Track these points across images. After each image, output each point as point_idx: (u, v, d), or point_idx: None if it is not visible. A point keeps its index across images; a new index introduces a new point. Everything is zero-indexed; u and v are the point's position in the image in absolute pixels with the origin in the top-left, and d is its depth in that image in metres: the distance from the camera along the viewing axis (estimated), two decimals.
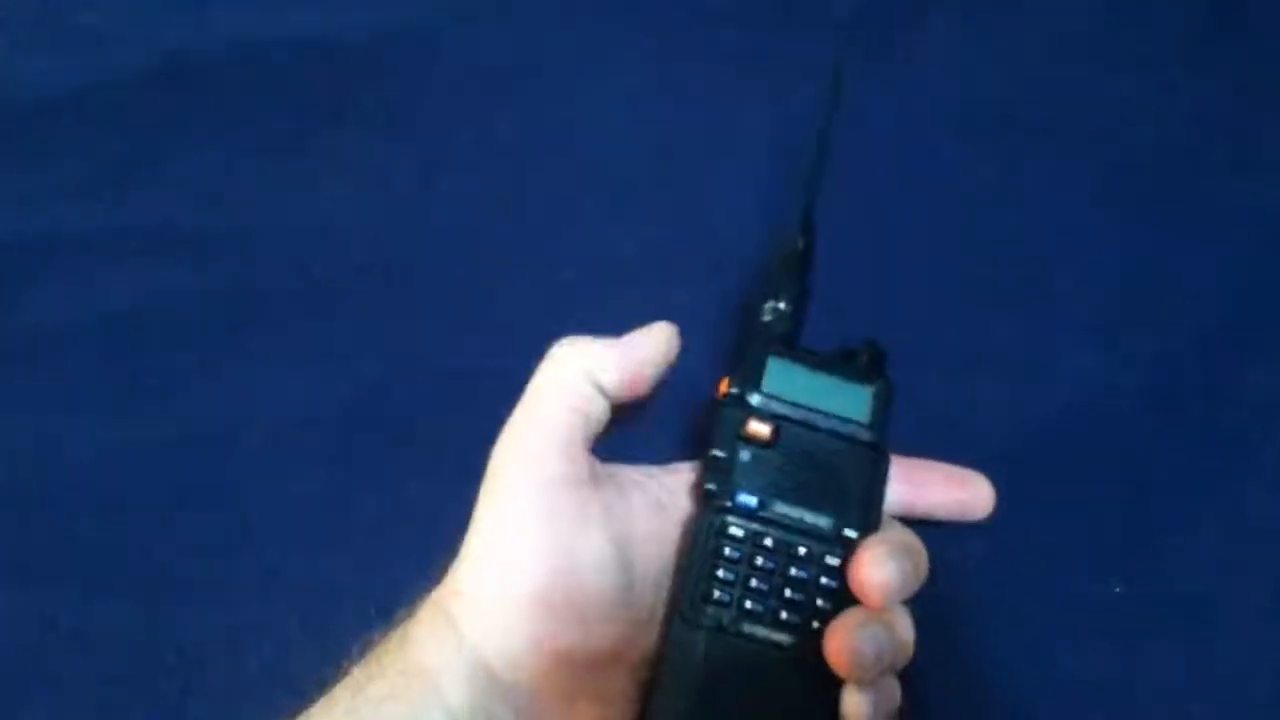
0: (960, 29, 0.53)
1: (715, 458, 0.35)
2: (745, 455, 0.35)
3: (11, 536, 0.43)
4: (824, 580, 0.34)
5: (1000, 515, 0.39)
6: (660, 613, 0.35)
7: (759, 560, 0.34)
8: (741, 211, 0.47)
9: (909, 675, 0.34)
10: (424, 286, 0.47)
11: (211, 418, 0.45)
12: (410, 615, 0.34)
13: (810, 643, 0.33)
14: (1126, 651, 0.39)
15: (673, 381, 0.37)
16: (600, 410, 0.36)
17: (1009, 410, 0.43)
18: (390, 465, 0.43)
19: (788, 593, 0.33)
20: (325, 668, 0.34)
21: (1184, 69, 0.51)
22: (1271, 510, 0.42)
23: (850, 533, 0.34)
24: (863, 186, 0.45)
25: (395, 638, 0.34)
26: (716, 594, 0.33)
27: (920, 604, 0.34)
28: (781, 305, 0.37)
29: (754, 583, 0.34)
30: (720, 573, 0.34)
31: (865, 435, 0.35)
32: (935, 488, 0.38)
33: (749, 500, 0.34)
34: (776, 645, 0.33)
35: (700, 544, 0.34)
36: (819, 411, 0.35)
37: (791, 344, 0.36)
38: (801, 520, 0.34)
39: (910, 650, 0.33)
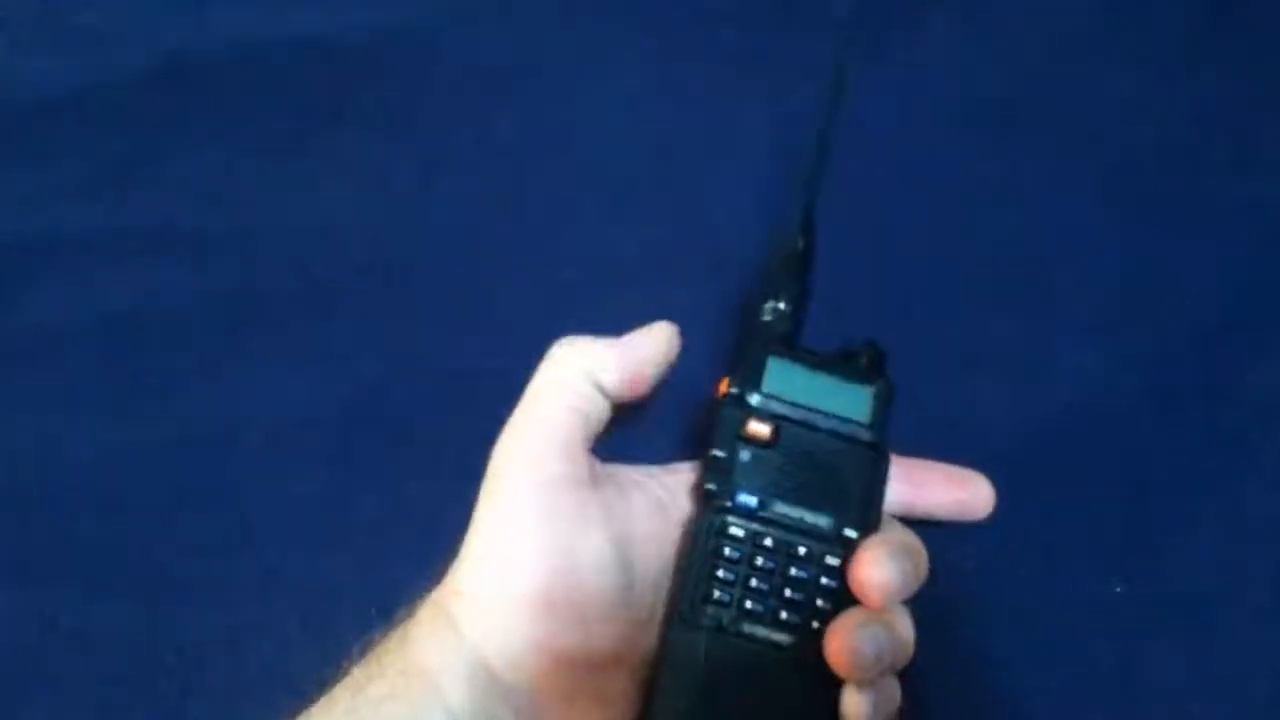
0: (960, 29, 0.52)
1: (715, 458, 0.35)
2: (745, 455, 0.35)
3: (11, 536, 0.43)
4: (824, 580, 0.34)
5: (1000, 515, 0.39)
6: (660, 613, 0.35)
7: (759, 560, 0.34)
8: (741, 211, 0.47)
9: (909, 675, 0.34)
10: (424, 286, 0.47)
11: (211, 418, 0.45)
12: (410, 615, 0.34)
13: (810, 643, 0.33)
14: (1126, 651, 0.39)
15: (673, 381, 0.37)
16: (600, 410, 0.36)
17: (1009, 410, 0.43)
18: (390, 465, 0.43)
19: (788, 593, 0.33)
20: (325, 668, 0.34)
21: (1184, 68, 0.51)
22: (1271, 510, 0.42)
23: (850, 533, 0.34)
24: (863, 186, 0.44)
25: (395, 638, 0.34)
26: (716, 594, 0.33)
27: (920, 604, 0.34)
28: (782, 305, 0.37)
29: (754, 583, 0.34)
30: (720, 573, 0.34)
31: (865, 435, 0.35)
32: (935, 488, 0.38)
33: (749, 500, 0.34)
34: (776, 645, 0.33)
35: (700, 544, 0.34)
36: (819, 411, 0.35)
37: (791, 344, 0.36)
38: (801, 520, 0.34)
39: (910, 650, 0.33)
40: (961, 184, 0.48)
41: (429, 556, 0.35)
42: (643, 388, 0.36)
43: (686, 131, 0.50)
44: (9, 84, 0.53)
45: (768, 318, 0.37)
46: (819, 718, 0.32)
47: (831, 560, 0.34)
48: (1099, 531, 0.41)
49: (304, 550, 0.42)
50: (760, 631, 0.33)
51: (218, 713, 0.39)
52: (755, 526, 0.34)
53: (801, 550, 0.34)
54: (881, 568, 0.32)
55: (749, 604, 0.33)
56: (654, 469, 0.38)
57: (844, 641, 0.32)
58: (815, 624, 0.33)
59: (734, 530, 0.34)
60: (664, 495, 0.36)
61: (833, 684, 0.32)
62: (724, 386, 0.35)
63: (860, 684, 0.32)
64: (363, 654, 0.34)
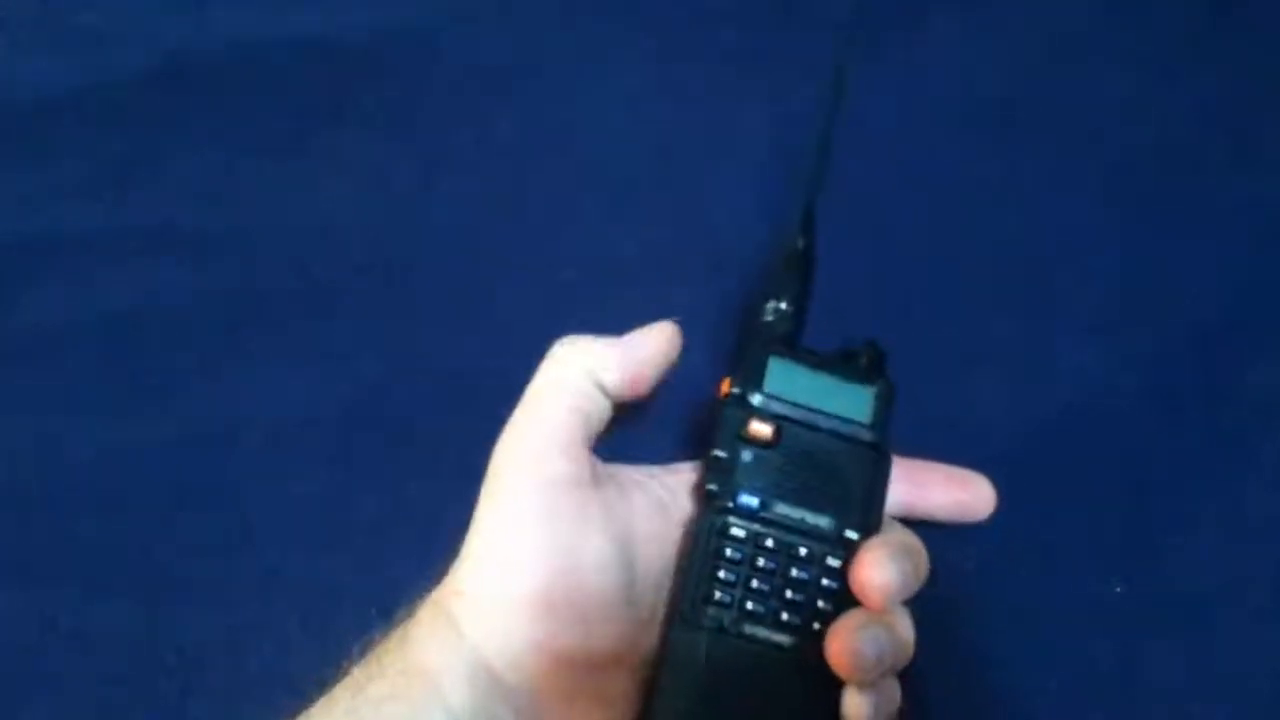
0: (960, 29, 0.52)
1: (717, 458, 0.34)
2: (747, 456, 0.34)
3: (11, 536, 0.43)
4: (825, 581, 0.34)
5: (1000, 515, 0.39)
6: (661, 613, 0.35)
7: (760, 561, 0.34)
8: (741, 211, 0.47)
9: (909, 675, 0.34)
10: (424, 286, 0.47)
11: (211, 418, 0.45)
12: (411, 615, 0.34)
13: (811, 644, 0.33)
14: (1126, 651, 0.39)
15: (673, 381, 0.37)
16: (601, 410, 0.36)
17: (1009, 410, 0.43)
18: (390, 465, 0.43)
19: (789, 594, 0.33)
20: (325, 668, 0.34)
21: (1184, 67, 0.51)
22: (1271, 510, 0.42)
23: (851, 534, 0.34)
24: (863, 186, 0.44)
25: (396, 638, 0.34)
26: (717, 595, 0.33)
27: (920, 604, 0.34)
28: (783, 305, 0.37)
29: (755, 584, 0.34)
30: (721, 574, 0.34)
31: (867, 436, 0.35)
32: (936, 488, 0.38)
33: (750, 501, 0.34)
34: (777, 646, 0.33)
35: (701, 545, 0.34)
36: (820, 412, 0.35)
37: (793, 344, 0.36)
38: (803, 521, 0.34)
39: (910, 651, 0.33)
40: (961, 184, 0.48)
41: (429, 556, 0.35)
42: (644, 387, 0.36)
43: (686, 131, 0.50)
44: (9, 84, 0.53)
45: (769, 318, 0.37)
46: (819, 718, 0.32)
47: (833, 561, 0.34)
48: (1099, 531, 0.41)
49: (304, 550, 0.42)
50: (761, 632, 0.33)
51: (218, 713, 0.39)
52: (756, 527, 0.34)
53: (803, 551, 0.34)
54: (882, 569, 0.32)
55: (750, 605, 0.33)
56: (655, 469, 0.38)
57: (845, 643, 0.32)
58: (816, 625, 0.33)
59: (735, 531, 0.34)
60: (665, 495, 0.36)
61: (833, 685, 0.32)
62: (725, 387, 0.35)
63: (861, 685, 0.32)
64: (363, 654, 0.34)
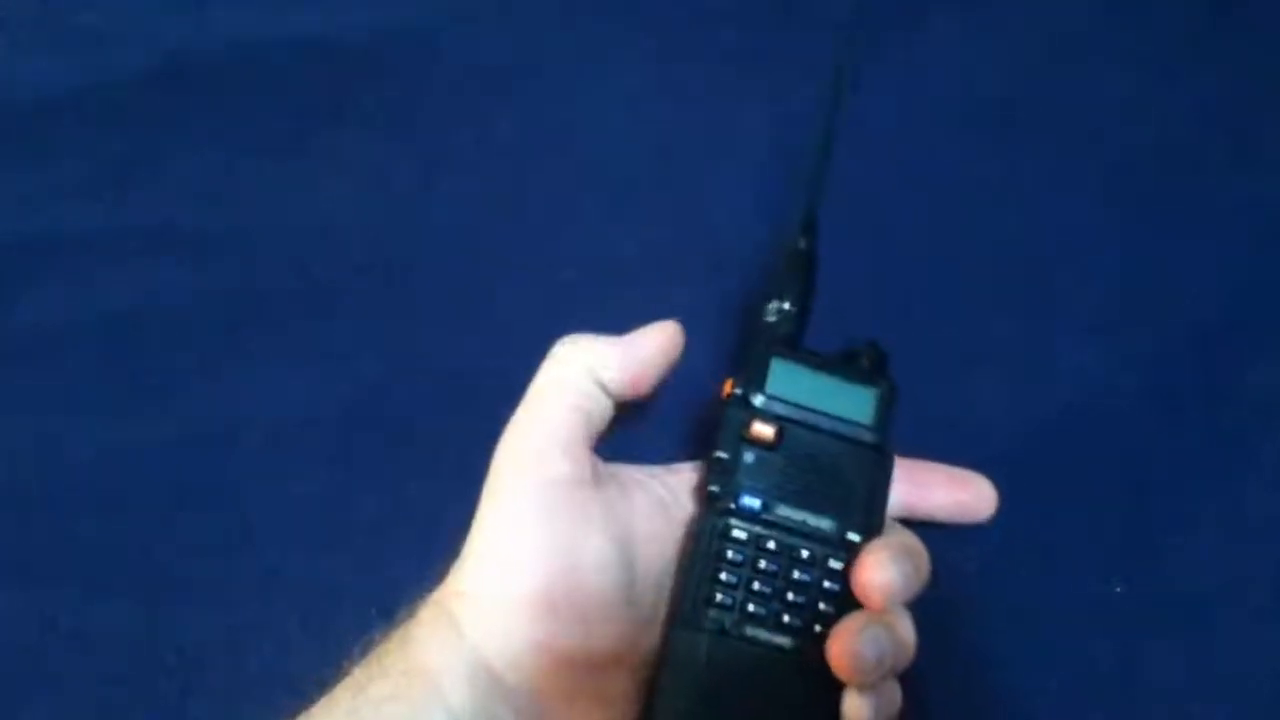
0: (960, 29, 0.53)
1: (719, 459, 0.34)
2: (749, 457, 0.34)
3: (11, 536, 0.43)
4: (827, 584, 0.34)
5: (1001, 516, 0.39)
6: (662, 613, 0.35)
7: (762, 563, 0.34)
8: (741, 211, 0.47)
9: (909, 676, 0.34)
10: (424, 286, 0.47)
11: (211, 418, 0.45)
12: (411, 615, 0.34)
13: (812, 646, 0.33)
14: (1126, 651, 0.39)
15: (673, 381, 0.37)
16: (603, 409, 0.36)
17: (1009, 410, 0.44)
18: (390, 465, 0.43)
19: (790, 596, 0.33)
20: (325, 668, 0.34)
21: (1184, 67, 0.51)
22: (1271, 510, 0.42)
23: (853, 536, 0.34)
24: (863, 186, 0.44)
25: (396, 638, 0.34)
26: (719, 597, 0.33)
27: (921, 605, 0.34)
28: (786, 305, 0.37)
29: (756, 586, 0.33)
30: (723, 575, 0.33)
31: (869, 437, 0.35)
32: (937, 489, 0.38)
33: (752, 503, 0.34)
34: (778, 648, 0.33)
35: (703, 546, 0.34)
36: (823, 413, 0.35)
37: (795, 345, 0.36)
38: (805, 523, 0.34)
39: (911, 653, 0.33)
40: (961, 184, 0.48)
41: (429, 556, 0.35)
42: (645, 386, 0.36)
43: (686, 131, 0.50)
44: (9, 84, 0.53)
45: (771, 318, 0.37)
46: None
47: (834, 564, 0.34)
48: (1099, 531, 0.41)
49: (304, 550, 0.42)
50: (762, 634, 0.33)
51: (218, 713, 0.39)
52: (758, 529, 0.34)
53: (804, 553, 0.34)
54: (884, 571, 0.32)
55: (751, 607, 0.33)
56: (656, 469, 0.38)
57: (846, 645, 0.31)
58: (817, 627, 0.33)
59: (737, 533, 0.34)
60: (666, 495, 0.36)
61: (834, 687, 0.32)
62: (728, 388, 0.35)
63: (861, 687, 0.32)
64: (363, 654, 0.34)
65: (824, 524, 0.34)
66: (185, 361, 0.46)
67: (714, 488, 0.34)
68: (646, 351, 0.36)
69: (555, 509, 0.33)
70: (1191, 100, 0.50)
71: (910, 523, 0.37)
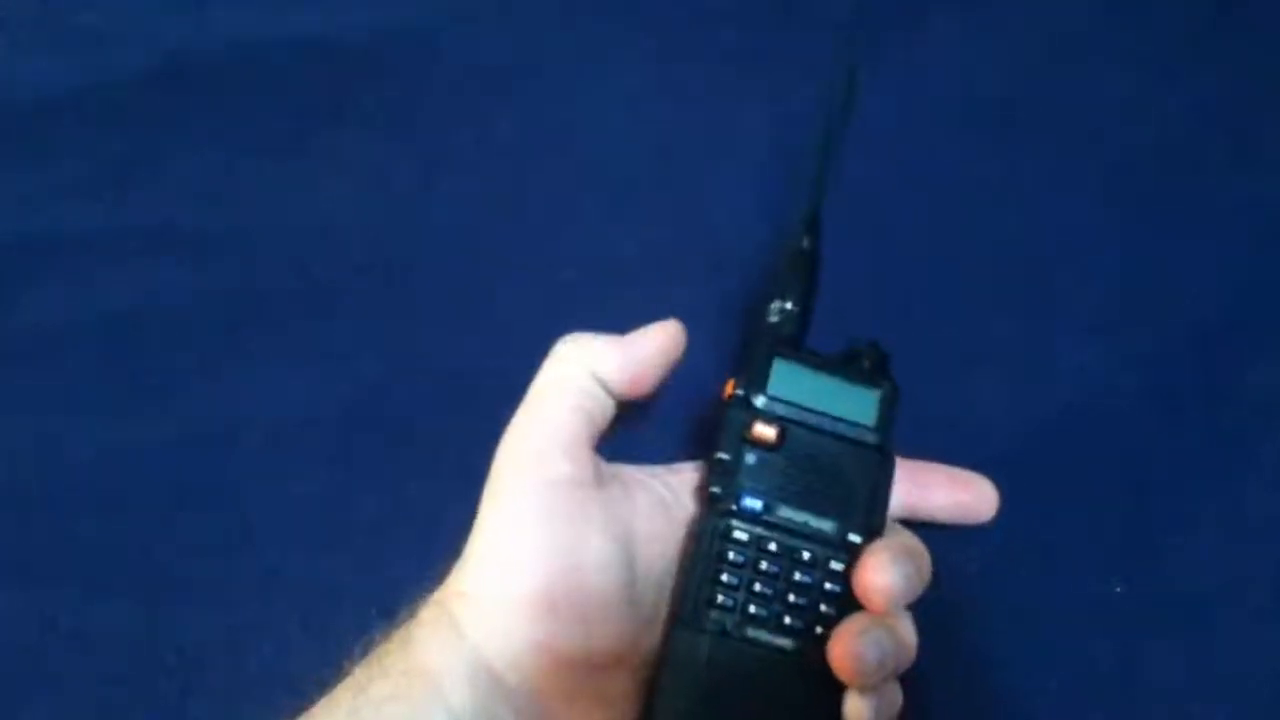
0: (960, 29, 0.53)
1: (720, 460, 0.34)
2: (750, 458, 0.34)
3: (11, 536, 0.43)
4: (828, 585, 0.34)
5: (1001, 516, 0.39)
6: (663, 613, 0.35)
7: (763, 565, 0.34)
8: (741, 211, 0.47)
9: (910, 677, 0.34)
10: (424, 286, 0.47)
11: (211, 418, 0.45)
12: (412, 616, 0.34)
13: (813, 648, 0.33)
14: (1126, 651, 0.39)
15: (674, 381, 0.37)
16: (604, 408, 0.36)
17: (1009, 410, 0.44)
18: (390, 465, 0.43)
19: (791, 598, 0.33)
20: (325, 668, 0.34)
21: (1184, 67, 0.51)
22: (1271, 510, 0.42)
23: (855, 537, 0.34)
24: (863, 186, 0.44)
25: (397, 638, 0.34)
26: (720, 598, 0.33)
27: (921, 606, 0.34)
28: (788, 305, 0.36)
29: (758, 587, 0.33)
30: (724, 577, 0.33)
31: (871, 438, 0.35)
32: (938, 490, 0.38)
33: (754, 504, 0.34)
34: (779, 650, 0.33)
35: (704, 547, 0.34)
36: (825, 414, 0.35)
37: (797, 345, 0.36)
38: (806, 525, 0.34)
39: (913, 654, 0.33)
40: (961, 184, 0.48)
41: (429, 556, 0.35)
42: (647, 386, 0.36)
43: (686, 131, 0.50)
44: (9, 84, 0.53)
45: (774, 319, 0.37)
46: None
47: (836, 565, 0.34)
48: (1099, 531, 0.41)
49: (304, 550, 0.42)
50: (763, 636, 0.33)
51: (218, 713, 0.39)
52: (759, 531, 0.34)
53: (806, 555, 0.34)
54: (885, 573, 0.32)
55: (752, 608, 0.33)
56: (657, 468, 0.38)
57: (847, 647, 0.31)
58: (819, 629, 0.33)
59: (738, 534, 0.34)
60: (667, 495, 0.36)
61: (835, 688, 0.32)
62: (730, 388, 0.35)
63: (863, 689, 0.32)
64: (364, 654, 0.34)
65: (825, 525, 0.34)
66: (185, 361, 0.46)
67: (715, 489, 0.34)
68: (648, 351, 0.36)
69: (556, 509, 0.33)
70: (1191, 100, 0.50)
71: (911, 524, 0.37)
